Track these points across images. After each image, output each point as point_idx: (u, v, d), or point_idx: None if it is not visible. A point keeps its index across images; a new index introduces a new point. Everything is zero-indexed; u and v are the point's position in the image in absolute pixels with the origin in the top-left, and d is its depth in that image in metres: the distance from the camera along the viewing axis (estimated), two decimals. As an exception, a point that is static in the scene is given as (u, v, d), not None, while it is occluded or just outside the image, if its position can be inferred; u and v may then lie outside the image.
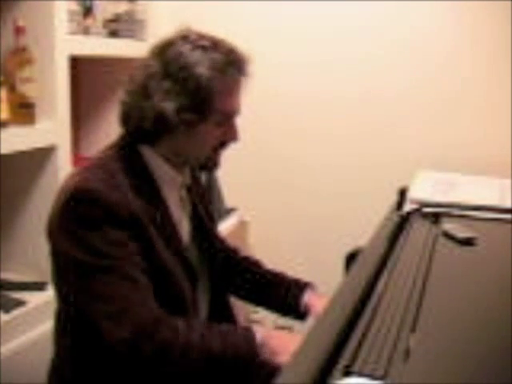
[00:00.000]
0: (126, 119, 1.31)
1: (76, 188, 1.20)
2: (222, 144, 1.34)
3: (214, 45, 1.28)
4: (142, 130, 1.28)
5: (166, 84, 1.25)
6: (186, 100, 1.25)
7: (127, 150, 1.30)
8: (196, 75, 1.24)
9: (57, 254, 1.25)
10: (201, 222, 1.44)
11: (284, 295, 1.51)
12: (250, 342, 1.23)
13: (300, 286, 1.51)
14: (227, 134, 1.33)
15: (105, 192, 1.19)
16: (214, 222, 1.54)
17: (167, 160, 1.31)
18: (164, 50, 1.28)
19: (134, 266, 1.19)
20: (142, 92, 1.26)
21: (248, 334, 1.24)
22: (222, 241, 1.58)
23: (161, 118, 1.25)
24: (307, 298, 1.49)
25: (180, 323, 1.20)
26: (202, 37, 1.29)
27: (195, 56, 1.25)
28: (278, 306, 1.54)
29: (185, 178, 1.39)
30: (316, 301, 1.48)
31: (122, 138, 1.33)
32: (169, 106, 1.24)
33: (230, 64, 1.27)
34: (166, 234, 1.27)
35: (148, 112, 1.25)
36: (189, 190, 1.43)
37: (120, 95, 1.32)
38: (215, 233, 1.53)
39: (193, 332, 1.20)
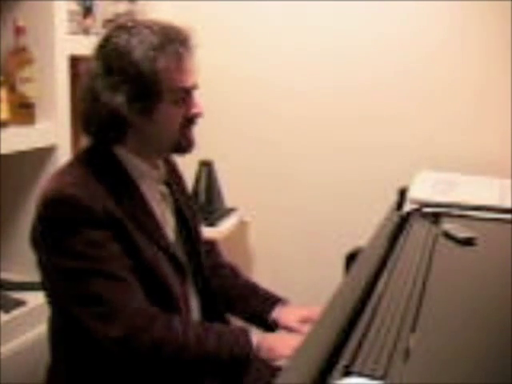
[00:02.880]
0: (85, 126, 1.31)
1: (49, 195, 1.21)
2: (188, 121, 1.31)
3: (149, 27, 1.26)
4: (104, 131, 1.28)
5: (111, 79, 1.24)
6: (133, 88, 1.24)
7: (100, 151, 1.30)
8: (134, 61, 1.23)
9: (43, 262, 1.26)
10: (183, 216, 1.44)
11: (253, 310, 1.49)
12: (246, 342, 1.23)
13: (271, 302, 1.49)
14: (189, 110, 1.30)
15: (78, 195, 1.19)
16: (196, 217, 1.51)
17: (140, 156, 1.31)
18: (102, 46, 1.28)
19: (119, 265, 1.20)
20: (91, 95, 1.26)
21: (244, 334, 1.25)
22: (206, 242, 1.56)
23: (115, 114, 1.25)
24: (275, 314, 1.47)
25: (176, 322, 1.20)
26: (137, 22, 1.28)
27: (131, 43, 1.24)
28: (246, 318, 1.53)
29: (160, 172, 1.38)
30: (284, 314, 1.46)
31: (95, 140, 1.33)
32: (118, 100, 1.23)
33: (168, 42, 1.25)
34: (148, 230, 1.27)
35: (101, 112, 1.25)
36: (168, 185, 1.42)
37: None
38: (199, 227, 1.51)
39: (189, 331, 1.20)
